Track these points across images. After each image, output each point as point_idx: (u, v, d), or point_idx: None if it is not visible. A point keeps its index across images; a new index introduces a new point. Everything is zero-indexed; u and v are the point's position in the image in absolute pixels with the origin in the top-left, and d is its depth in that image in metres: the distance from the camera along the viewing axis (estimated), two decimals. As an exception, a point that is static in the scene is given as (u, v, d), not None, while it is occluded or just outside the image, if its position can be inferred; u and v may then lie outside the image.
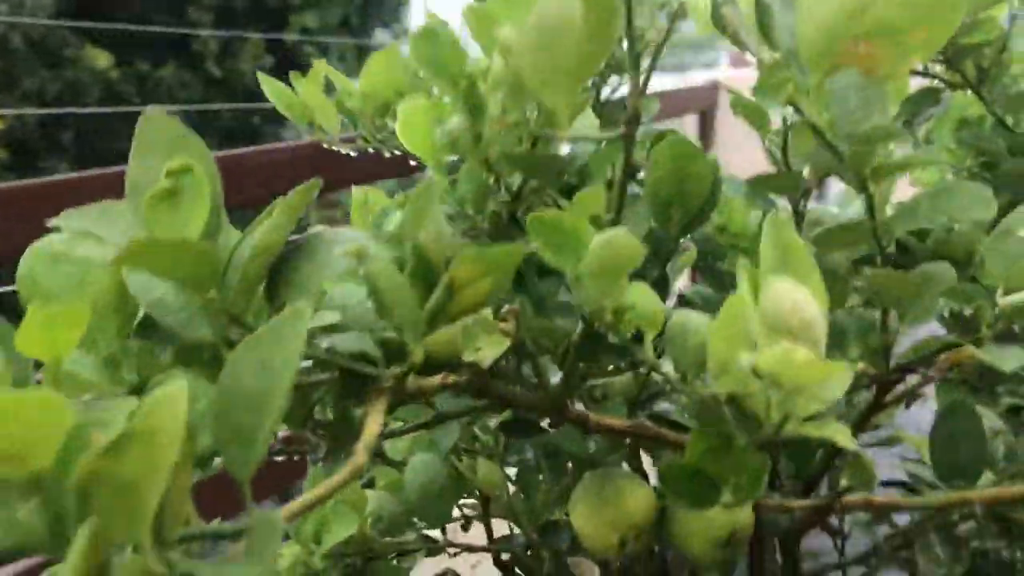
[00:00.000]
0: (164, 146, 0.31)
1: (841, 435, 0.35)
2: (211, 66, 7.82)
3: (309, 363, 0.35)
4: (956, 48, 0.71)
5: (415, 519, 0.66)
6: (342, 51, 8.89)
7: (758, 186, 0.53)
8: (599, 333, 0.49)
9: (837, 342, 0.53)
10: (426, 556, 0.65)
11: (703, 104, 2.52)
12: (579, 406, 0.55)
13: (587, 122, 0.50)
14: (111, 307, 0.34)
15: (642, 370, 0.51)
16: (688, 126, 2.47)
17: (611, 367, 0.57)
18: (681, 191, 0.52)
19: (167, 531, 0.24)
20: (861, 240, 0.47)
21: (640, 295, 0.39)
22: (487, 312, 0.43)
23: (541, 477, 0.70)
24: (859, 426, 0.52)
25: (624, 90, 0.75)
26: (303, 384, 0.36)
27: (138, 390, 0.33)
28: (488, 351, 0.40)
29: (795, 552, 0.54)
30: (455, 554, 0.68)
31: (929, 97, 0.69)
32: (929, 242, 0.54)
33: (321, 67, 0.69)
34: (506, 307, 0.44)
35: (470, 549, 0.68)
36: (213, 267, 0.29)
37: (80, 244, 0.34)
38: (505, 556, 0.70)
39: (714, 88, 2.54)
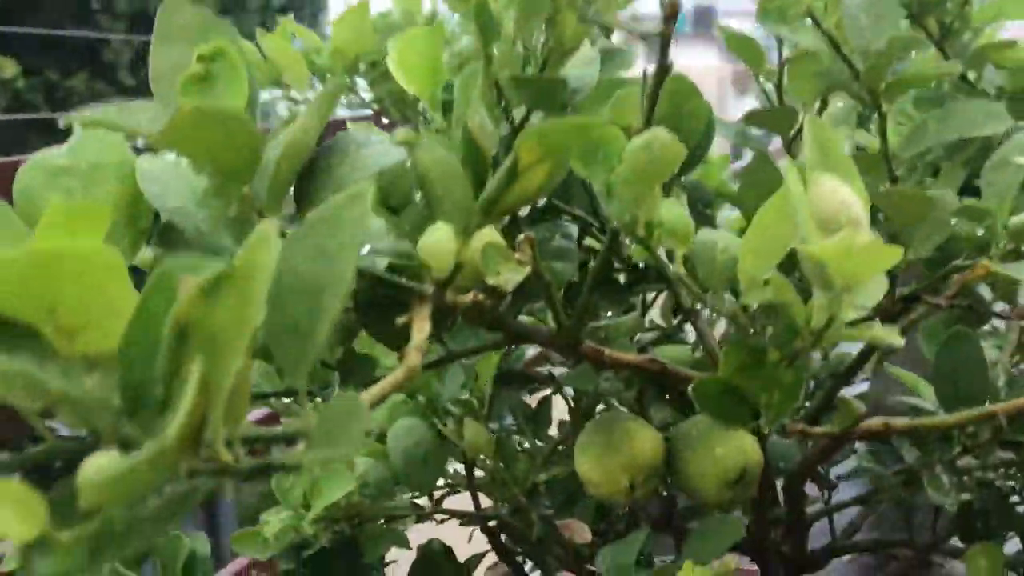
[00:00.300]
0: (189, 32, 0.29)
1: (888, 334, 0.34)
2: (124, 75, 7.61)
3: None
4: (921, 3, 0.72)
5: (402, 487, 0.64)
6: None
7: (754, 122, 0.53)
8: (607, 273, 0.48)
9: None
10: (415, 523, 0.63)
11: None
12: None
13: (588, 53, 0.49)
14: (123, 221, 0.32)
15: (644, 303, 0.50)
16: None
17: (608, 313, 0.56)
18: (678, 129, 0.52)
19: (238, 415, 0.22)
20: (872, 168, 0.47)
21: (672, 210, 0.38)
22: (501, 242, 0.41)
23: (522, 441, 0.69)
24: (864, 360, 0.52)
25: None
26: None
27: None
28: (509, 276, 0.39)
29: (800, 493, 0.53)
30: (442, 521, 0.66)
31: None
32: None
33: (289, 24, 0.67)
34: (520, 237, 0.43)
35: (457, 515, 0.66)
36: (255, 150, 0.27)
37: (89, 151, 0.32)
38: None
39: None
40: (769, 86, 0.55)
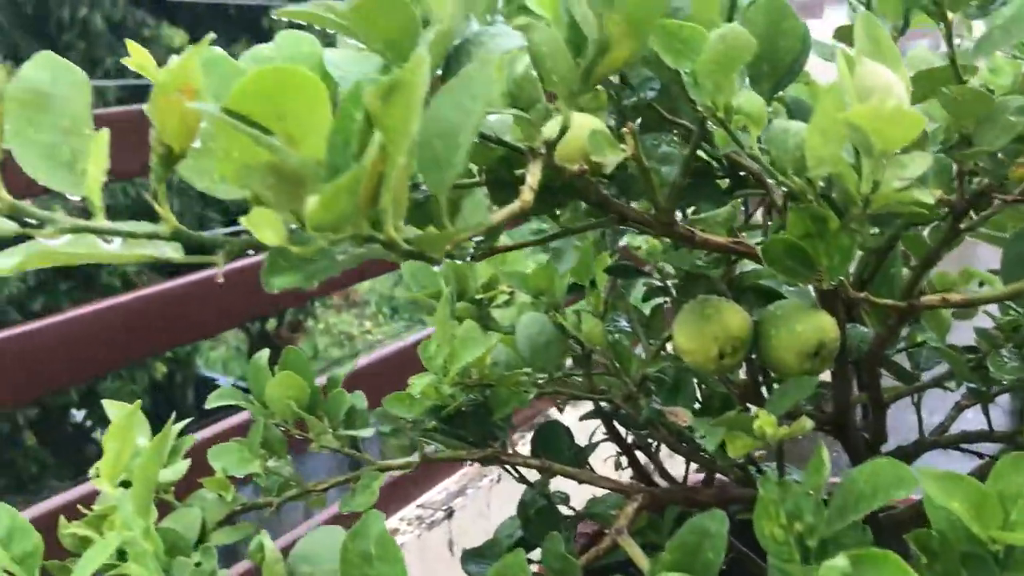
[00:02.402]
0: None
1: (923, 195, 0.41)
2: (282, 42, 7.97)
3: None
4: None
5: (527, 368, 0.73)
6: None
7: (843, 38, 0.59)
8: (708, 177, 0.56)
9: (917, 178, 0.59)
10: (535, 397, 0.72)
11: None
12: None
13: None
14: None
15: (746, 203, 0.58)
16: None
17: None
18: (774, 47, 0.58)
19: (399, 209, 0.32)
20: (943, 81, 0.53)
21: (749, 98, 0.45)
22: (606, 129, 0.50)
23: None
24: (939, 252, 0.58)
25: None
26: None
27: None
28: (611, 157, 0.47)
29: (874, 373, 0.60)
30: (562, 400, 0.75)
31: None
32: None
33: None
34: (625, 127, 0.51)
35: (574, 396, 0.75)
36: (415, 30, 0.36)
37: (288, 45, 0.42)
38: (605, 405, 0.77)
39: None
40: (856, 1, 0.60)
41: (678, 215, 0.57)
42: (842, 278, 0.46)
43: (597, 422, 0.80)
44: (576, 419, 0.81)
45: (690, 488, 0.70)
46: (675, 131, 0.59)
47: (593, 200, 0.51)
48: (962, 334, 0.72)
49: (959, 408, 0.72)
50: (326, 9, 0.38)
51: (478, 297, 0.79)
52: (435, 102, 0.34)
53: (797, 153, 0.47)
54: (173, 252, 0.32)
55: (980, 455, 0.73)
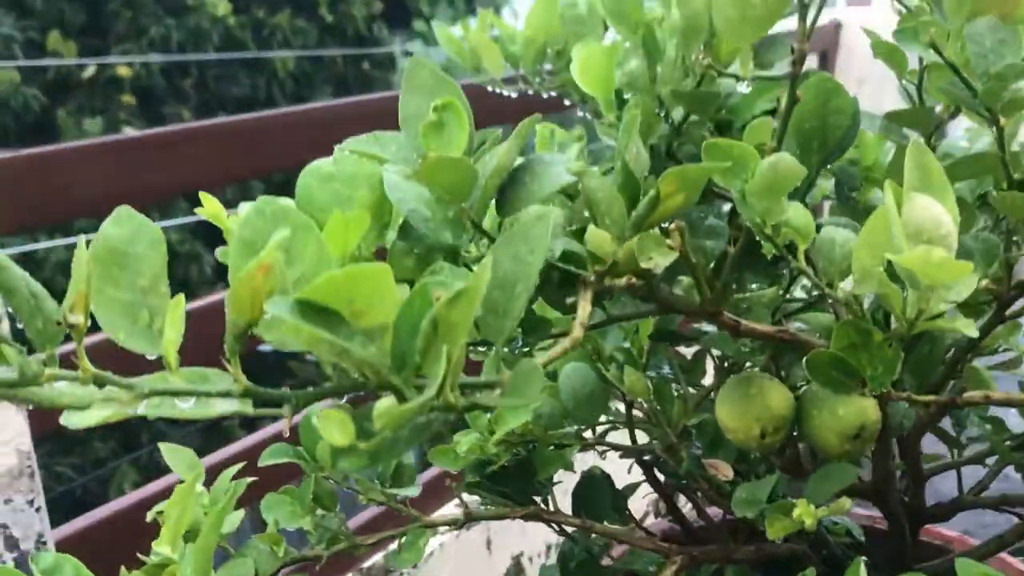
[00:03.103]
0: (427, 87, 0.40)
1: (965, 325, 0.42)
2: (324, 12, 7.98)
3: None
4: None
5: (570, 420, 0.75)
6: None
7: (895, 120, 0.59)
8: (754, 249, 0.56)
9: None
10: (579, 451, 0.74)
11: (824, 44, 2.51)
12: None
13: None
14: (372, 216, 0.43)
15: (791, 275, 0.58)
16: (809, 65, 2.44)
17: (754, 285, 0.64)
18: (823, 124, 0.59)
19: (458, 371, 0.33)
20: (990, 169, 0.53)
21: (796, 212, 0.46)
22: (655, 231, 0.51)
23: (677, 387, 0.79)
24: (983, 338, 0.58)
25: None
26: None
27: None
28: (659, 260, 0.48)
29: (915, 449, 0.61)
30: (603, 452, 0.77)
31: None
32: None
33: (487, 17, 0.77)
34: (672, 224, 0.52)
35: (616, 447, 0.77)
36: (473, 179, 0.38)
37: (348, 164, 0.43)
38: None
39: (836, 28, 2.52)
40: (911, 87, 0.60)
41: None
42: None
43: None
44: (617, 456, 0.82)
45: (728, 547, 0.72)
46: (721, 202, 0.59)
47: (640, 294, 0.52)
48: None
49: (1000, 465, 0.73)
50: (386, 148, 0.39)
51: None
52: (495, 253, 0.36)
53: (844, 264, 0.47)
54: (243, 407, 0.34)
55: (1021, 516, 0.73)
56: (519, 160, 0.43)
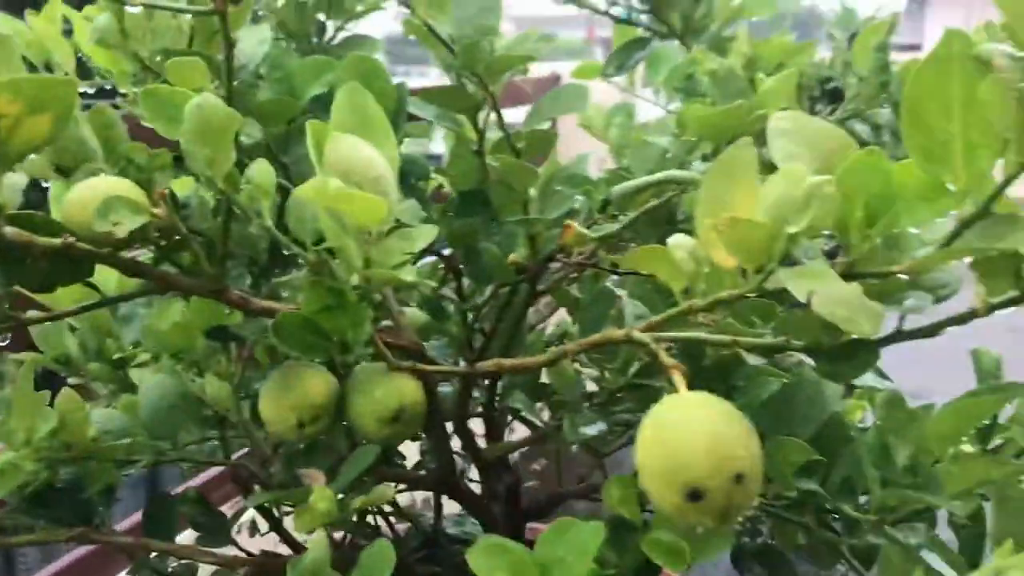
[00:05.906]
0: None
1: (411, 274, 0.41)
2: None
3: None
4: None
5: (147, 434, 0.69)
6: None
7: (427, 98, 0.59)
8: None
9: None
10: (153, 465, 0.68)
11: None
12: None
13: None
14: None
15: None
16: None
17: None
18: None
19: None
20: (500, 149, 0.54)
21: (260, 168, 0.44)
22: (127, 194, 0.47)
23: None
24: (523, 312, 0.58)
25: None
26: None
27: None
28: (126, 224, 0.45)
29: (467, 430, 0.60)
30: (191, 468, 0.71)
31: (637, 45, 0.78)
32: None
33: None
34: (158, 192, 0.48)
35: (207, 463, 0.71)
36: None
37: None
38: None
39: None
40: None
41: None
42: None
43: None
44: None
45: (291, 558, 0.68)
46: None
47: (130, 271, 0.48)
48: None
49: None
50: None
51: (116, 357, 0.74)
52: None
53: (315, 224, 0.45)
54: None
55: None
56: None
